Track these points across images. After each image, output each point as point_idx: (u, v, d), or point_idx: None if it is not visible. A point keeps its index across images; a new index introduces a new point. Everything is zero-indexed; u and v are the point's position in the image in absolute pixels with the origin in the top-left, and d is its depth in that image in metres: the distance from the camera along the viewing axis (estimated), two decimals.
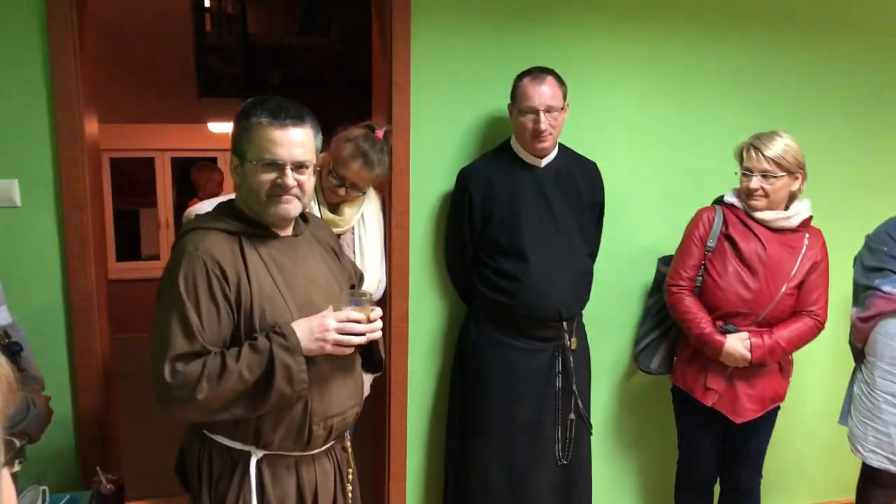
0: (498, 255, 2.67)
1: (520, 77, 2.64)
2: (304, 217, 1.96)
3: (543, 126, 2.58)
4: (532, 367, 2.70)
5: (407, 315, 2.91)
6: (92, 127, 2.67)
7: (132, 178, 9.60)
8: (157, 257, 9.74)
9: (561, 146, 2.76)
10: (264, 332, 1.72)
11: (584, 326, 2.84)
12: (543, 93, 2.58)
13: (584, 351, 2.83)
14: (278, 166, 1.75)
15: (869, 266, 2.75)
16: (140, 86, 7.87)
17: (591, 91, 2.94)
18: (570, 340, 2.72)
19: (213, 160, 10.80)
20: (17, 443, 1.93)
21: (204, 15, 9.21)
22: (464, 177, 2.74)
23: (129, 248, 9.27)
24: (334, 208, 2.57)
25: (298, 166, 1.77)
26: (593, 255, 2.90)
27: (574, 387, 2.74)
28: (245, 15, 9.08)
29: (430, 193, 2.86)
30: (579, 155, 2.83)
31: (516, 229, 2.65)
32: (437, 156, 2.84)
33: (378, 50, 2.95)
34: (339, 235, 2.53)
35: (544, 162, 2.71)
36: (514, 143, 2.72)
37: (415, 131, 2.79)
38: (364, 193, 2.58)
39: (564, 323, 2.69)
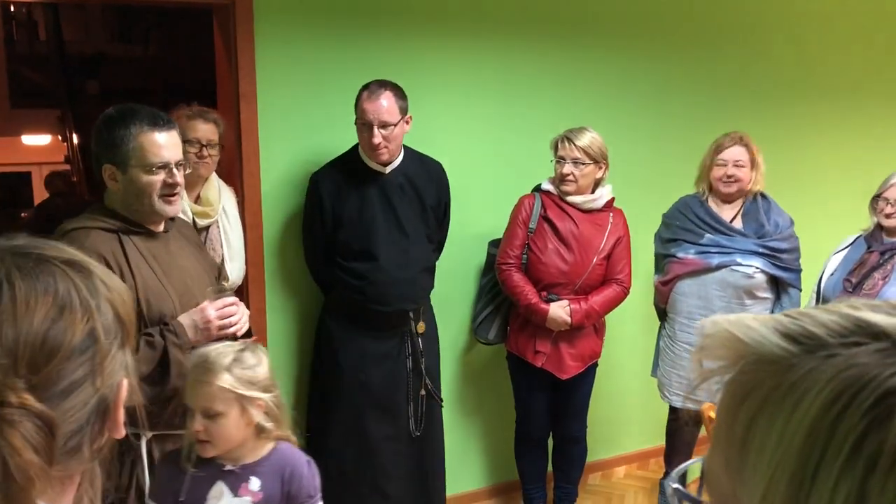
0: (348, 256, 2.89)
1: (360, 90, 2.80)
2: None
3: (376, 140, 2.74)
4: (382, 351, 2.96)
5: (264, 308, 3.10)
6: None
7: None
8: None
9: (407, 149, 2.96)
10: (157, 329, 1.92)
11: (432, 309, 3.13)
12: (379, 107, 2.73)
13: (432, 333, 3.12)
14: (166, 167, 1.95)
15: (665, 238, 3.28)
16: None
17: (429, 94, 3.24)
18: (416, 326, 3.00)
19: (28, 175, 10.21)
20: None
21: (11, 22, 8.74)
22: (315, 182, 2.92)
23: None
24: (196, 199, 2.75)
25: (179, 164, 1.98)
26: (439, 248, 3.17)
27: (423, 367, 3.02)
28: (59, 23, 8.71)
29: (283, 195, 3.06)
30: (425, 156, 3.05)
31: (365, 232, 2.87)
32: (287, 160, 3.05)
33: (222, 59, 3.11)
34: (207, 228, 2.72)
35: (389, 168, 2.90)
36: (360, 150, 2.90)
37: (263, 137, 2.98)
38: (221, 146, 2.78)
39: (411, 313, 2.97)
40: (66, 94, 8.58)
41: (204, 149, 2.71)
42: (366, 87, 2.80)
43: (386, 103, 2.75)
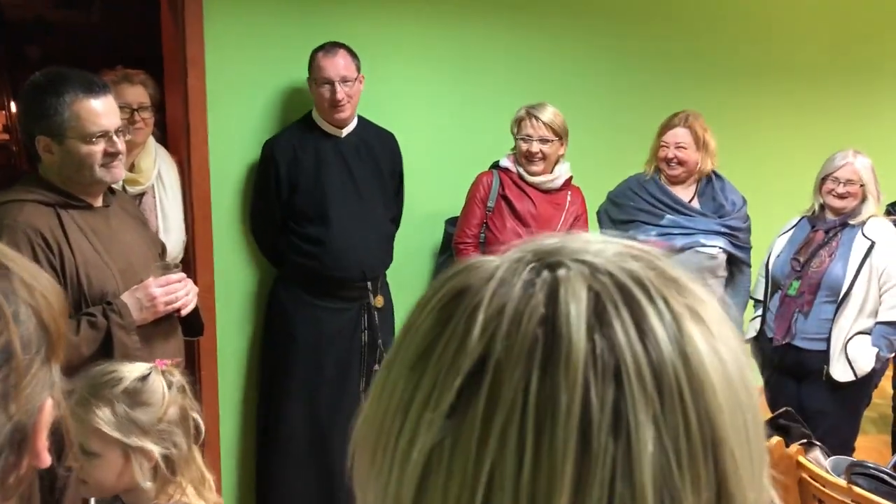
0: (304, 222, 2.85)
1: (314, 52, 2.80)
2: (111, 189, 2.05)
3: (340, 95, 2.76)
4: (337, 325, 2.91)
5: (213, 286, 2.98)
6: None
7: None
8: None
9: (360, 118, 2.96)
10: (100, 309, 1.82)
11: (388, 285, 3.08)
12: (337, 64, 2.76)
13: (389, 308, 3.07)
14: (105, 135, 1.84)
15: (619, 220, 3.19)
16: None
17: (384, 65, 3.15)
18: (374, 299, 2.95)
19: None
20: None
21: None
22: (269, 148, 2.87)
23: None
24: (131, 167, 2.60)
25: (118, 131, 1.86)
26: (396, 220, 3.14)
27: (379, 342, 2.97)
28: None
29: (233, 165, 2.96)
30: (378, 126, 3.04)
31: (321, 197, 2.83)
32: (237, 128, 2.94)
33: (169, 23, 2.97)
34: (140, 196, 2.58)
35: (345, 132, 2.90)
36: (315, 115, 2.89)
37: (212, 104, 2.86)
38: (154, 108, 2.65)
39: (369, 283, 2.92)
40: (2, 60, 8.21)
41: (135, 113, 2.55)
42: (320, 47, 2.81)
43: (343, 60, 2.79)
